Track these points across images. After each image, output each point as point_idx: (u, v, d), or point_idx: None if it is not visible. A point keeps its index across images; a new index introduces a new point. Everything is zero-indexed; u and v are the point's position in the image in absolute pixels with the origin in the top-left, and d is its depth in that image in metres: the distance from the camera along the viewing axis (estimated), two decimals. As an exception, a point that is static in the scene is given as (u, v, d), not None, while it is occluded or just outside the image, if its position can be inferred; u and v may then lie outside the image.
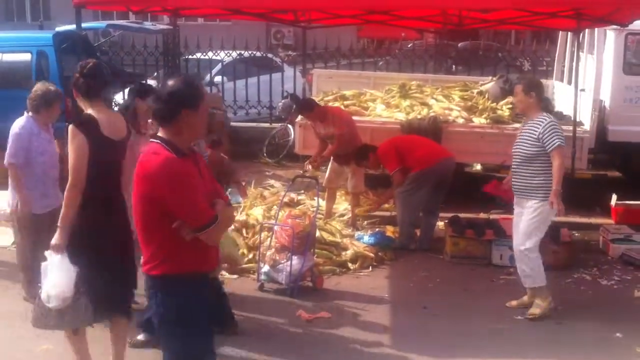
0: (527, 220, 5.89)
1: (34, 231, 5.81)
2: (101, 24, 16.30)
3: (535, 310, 5.98)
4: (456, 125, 9.08)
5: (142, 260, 3.48)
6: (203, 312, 3.44)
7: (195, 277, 3.39)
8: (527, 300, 6.16)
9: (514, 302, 6.19)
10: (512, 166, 6.08)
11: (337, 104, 9.56)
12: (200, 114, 3.40)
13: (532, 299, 6.11)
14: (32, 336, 5.01)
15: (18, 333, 5.41)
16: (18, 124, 5.83)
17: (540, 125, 5.79)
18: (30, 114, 5.86)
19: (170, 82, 3.39)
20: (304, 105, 8.43)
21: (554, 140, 5.71)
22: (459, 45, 22.16)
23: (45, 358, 5.06)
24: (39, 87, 5.91)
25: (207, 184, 3.42)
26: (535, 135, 5.79)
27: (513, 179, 6.04)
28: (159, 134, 3.39)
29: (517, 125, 9.20)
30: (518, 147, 5.96)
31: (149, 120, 5.62)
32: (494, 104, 9.62)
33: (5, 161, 5.81)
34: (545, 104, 6.35)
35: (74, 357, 4.67)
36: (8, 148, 5.78)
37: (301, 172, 8.29)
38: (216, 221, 3.29)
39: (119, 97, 12.99)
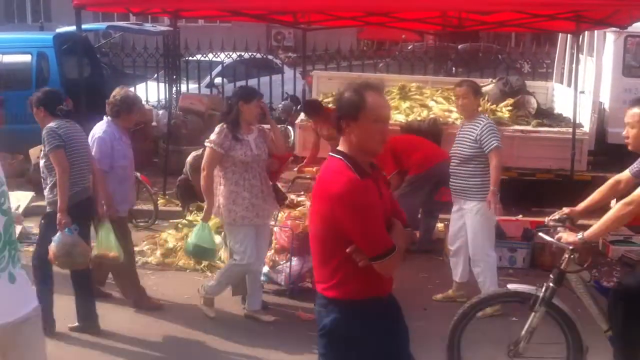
0: (472, 224, 5.98)
1: (120, 232, 5.81)
2: (101, 25, 16.35)
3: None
4: (456, 127, 9.02)
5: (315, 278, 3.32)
6: (376, 339, 3.18)
7: (369, 303, 3.16)
8: (452, 293, 6.33)
9: (439, 295, 6.37)
10: (451, 167, 6.15)
11: (337, 106, 9.55)
12: (362, 125, 3.06)
13: (459, 292, 6.27)
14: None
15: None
16: (100, 128, 5.82)
17: (478, 126, 5.85)
18: (109, 118, 5.88)
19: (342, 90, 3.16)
20: (311, 107, 8.44)
21: (491, 141, 5.77)
22: (459, 47, 22.13)
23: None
24: (118, 91, 5.94)
25: (386, 203, 3.17)
26: (473, 136, 5.85)
27: (451, 180, 6.12)
28: (340, 147, 3.16)
29: (517, 127, 9.25)
30: (456, 148, 6.04)
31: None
32: (493, 106, 9.63)
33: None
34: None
35: None
36: (93, 153, 5.72)
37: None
38: (393, 252, 3.04)
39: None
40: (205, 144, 5.68)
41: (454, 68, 16.59)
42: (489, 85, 10.29)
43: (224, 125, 5.61)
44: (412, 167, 7.62)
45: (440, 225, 8.13)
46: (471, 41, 24.75)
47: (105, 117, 5.93)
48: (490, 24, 9.46)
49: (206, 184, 5.63)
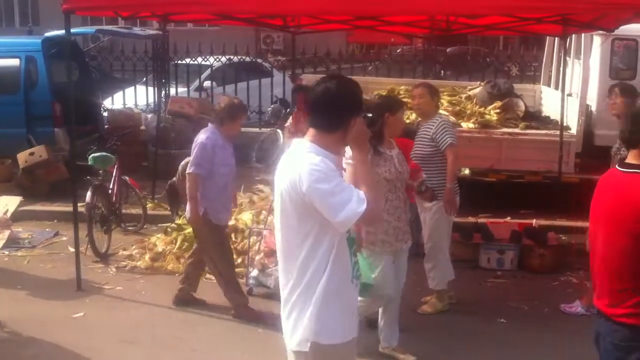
0: (430, 223, 6.08)
1: (218, 240, 5.88)
2: (90, 29, 16.27)
3: (428, 308, 6.18)
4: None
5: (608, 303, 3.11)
6: None
7: None
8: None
9: (428, 297, 6.35)
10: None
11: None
12: None
13: (448, 292, 6.36)
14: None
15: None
16: (204, 134, 5.79)
17: (434, 125, 5.97)
18: (213, 126, 5.87)
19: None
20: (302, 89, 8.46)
21: (446, 138, 5.88)
22: (448, 50, 22.24)
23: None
24: (224, 99, 5.99)
25: None
26: (429, 135, 5.97)
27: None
28: (629, 159, 3.04)
29: (505, 129, 9.30)
30: (415, 148, 6.11)
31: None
32: (482, 109, 9.68)
33: (188, 170, 5.76)
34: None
35: None
36: (192, 157, 5.73)
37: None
38: None
39: (108, 102, 13.01)
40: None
41: (442, 71, 16.65)
42: (477, 88, 10.34)
43: None
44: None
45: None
46: (459, 44, 24.90)
47: (210, 125, 5.93)
48: (478, 28, 9.48)
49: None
